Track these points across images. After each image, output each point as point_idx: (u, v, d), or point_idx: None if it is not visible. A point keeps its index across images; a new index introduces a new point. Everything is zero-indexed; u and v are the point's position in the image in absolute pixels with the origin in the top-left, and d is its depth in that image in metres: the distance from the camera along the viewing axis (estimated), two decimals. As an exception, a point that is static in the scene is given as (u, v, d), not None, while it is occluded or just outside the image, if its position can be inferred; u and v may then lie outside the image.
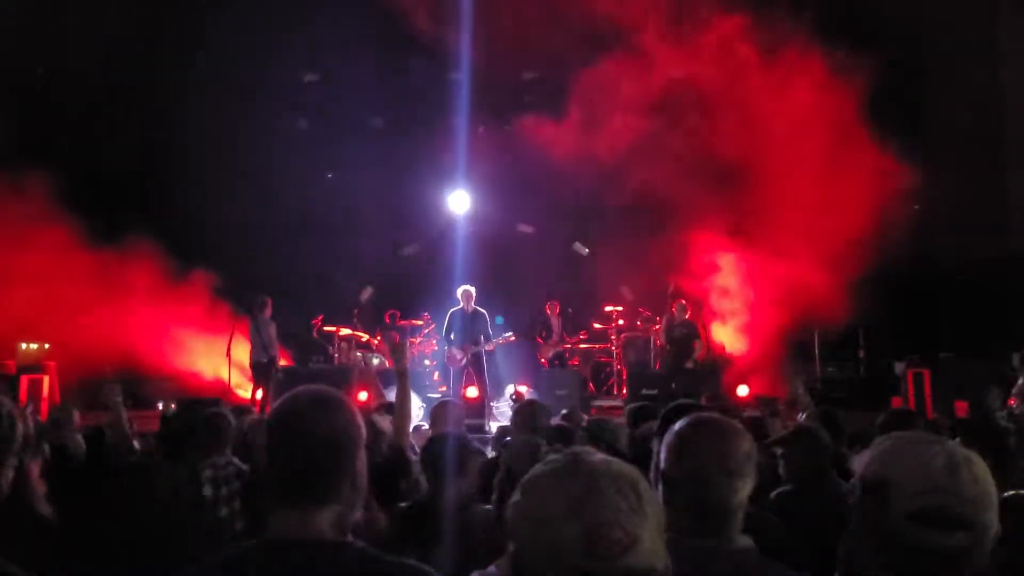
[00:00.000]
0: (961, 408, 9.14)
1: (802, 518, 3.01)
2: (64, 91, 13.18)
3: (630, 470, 1.27)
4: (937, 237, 13.05)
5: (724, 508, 1.78)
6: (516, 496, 1.27)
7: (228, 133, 13.50)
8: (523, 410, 4.64)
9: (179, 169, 13.24)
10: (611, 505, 1.19)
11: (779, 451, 3.58)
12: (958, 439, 3.11)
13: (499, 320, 12.60)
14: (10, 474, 1.89)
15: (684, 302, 12.04)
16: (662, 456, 1.87)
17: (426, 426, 5.82)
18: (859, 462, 1.58)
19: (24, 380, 10.68)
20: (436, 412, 4.83)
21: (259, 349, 11.34)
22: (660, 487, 1.83)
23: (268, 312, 11.52)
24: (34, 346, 11.71)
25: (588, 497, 1.20)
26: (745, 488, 1.80)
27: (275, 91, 14.49)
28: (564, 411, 6.17)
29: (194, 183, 13.04)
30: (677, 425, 1.89)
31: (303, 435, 1.66)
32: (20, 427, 1.87)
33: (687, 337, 11.72)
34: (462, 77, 13.52)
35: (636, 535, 1.17)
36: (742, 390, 11.88)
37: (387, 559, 1.67)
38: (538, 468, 1.29)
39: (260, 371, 11.35)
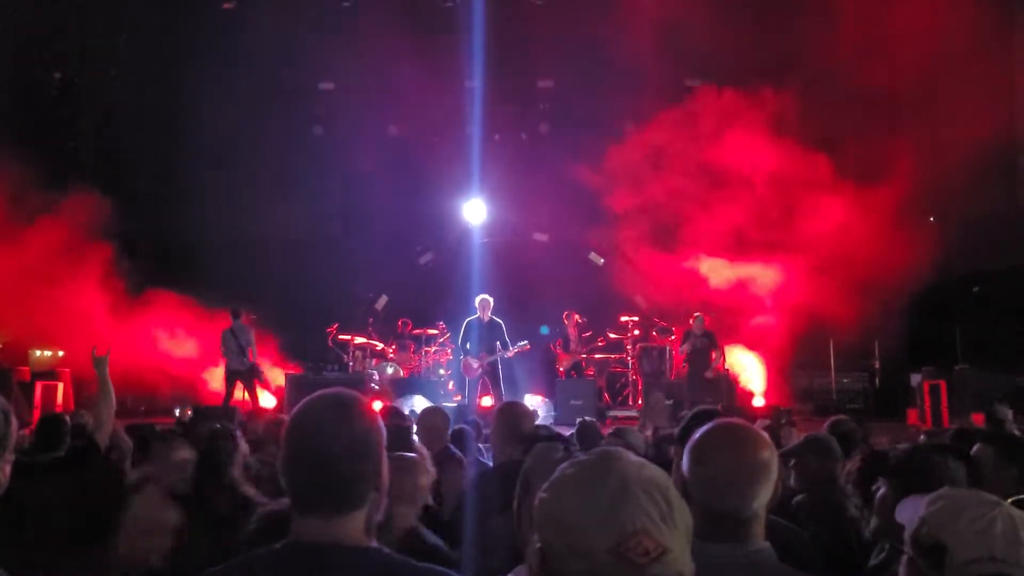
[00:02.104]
0: (978, 420, 9.05)
1: (815, 526, 3.01)
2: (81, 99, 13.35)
3: (661, 475, 1.25)
4: (953, 245, 12.89)
5: (739, 515, 1.75)
6: (544, 493, 1.25)
7: (241, 142, 13.57)
8: (505, 412, 3.93)
9: (190, 179, 13.34)
10: (642, 513, 1.17)
11: (791, 461, 3.57)
12: (978, 445, 3.10)
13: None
14: (7, 469, 1.88)
15: (700, 313, 12.01)
16: (684, 462, 1.86)
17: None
18: (905, 515, 1.54)
19: (39, 386, 10.71)
20: (423, 422, 4.55)
21: (234, 356, 11.35)
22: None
23: (244, 319, 11.60)
24: (48, 353, 11.73)
25: (619, 504, 1.18)
26: (762, 496, 1.76)
27: (291, 99, 14.54)
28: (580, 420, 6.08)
29: (204, 192, 13.14)
30: (698, 432, 1.87)
31: (323, 446, 1.57)
32: (15, 424, 1.86)
33: (707, 348, 11.75)
34: (476, 85, 13.55)
35: (666, 545, 1.17)
36: (758, 400, 11.87)
37: (413, 563, 1.63)
38: (568, 468, 1.26)
39: (237, 378, 11.37)
